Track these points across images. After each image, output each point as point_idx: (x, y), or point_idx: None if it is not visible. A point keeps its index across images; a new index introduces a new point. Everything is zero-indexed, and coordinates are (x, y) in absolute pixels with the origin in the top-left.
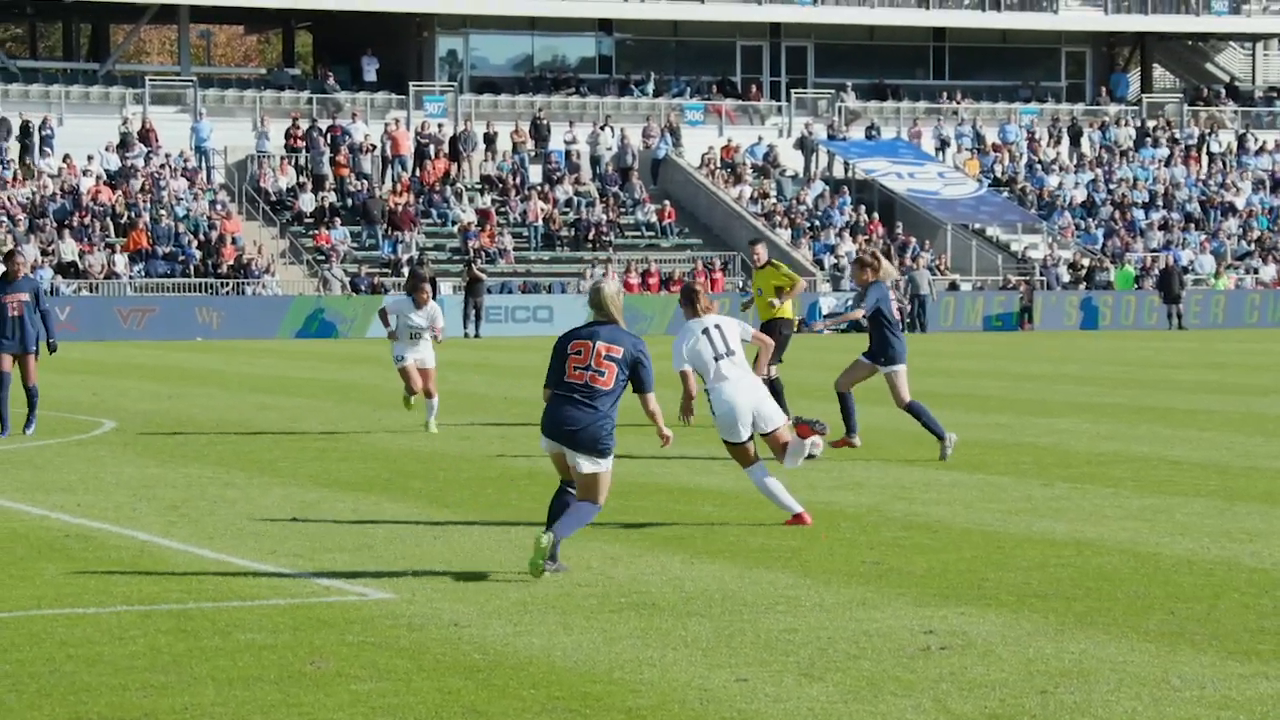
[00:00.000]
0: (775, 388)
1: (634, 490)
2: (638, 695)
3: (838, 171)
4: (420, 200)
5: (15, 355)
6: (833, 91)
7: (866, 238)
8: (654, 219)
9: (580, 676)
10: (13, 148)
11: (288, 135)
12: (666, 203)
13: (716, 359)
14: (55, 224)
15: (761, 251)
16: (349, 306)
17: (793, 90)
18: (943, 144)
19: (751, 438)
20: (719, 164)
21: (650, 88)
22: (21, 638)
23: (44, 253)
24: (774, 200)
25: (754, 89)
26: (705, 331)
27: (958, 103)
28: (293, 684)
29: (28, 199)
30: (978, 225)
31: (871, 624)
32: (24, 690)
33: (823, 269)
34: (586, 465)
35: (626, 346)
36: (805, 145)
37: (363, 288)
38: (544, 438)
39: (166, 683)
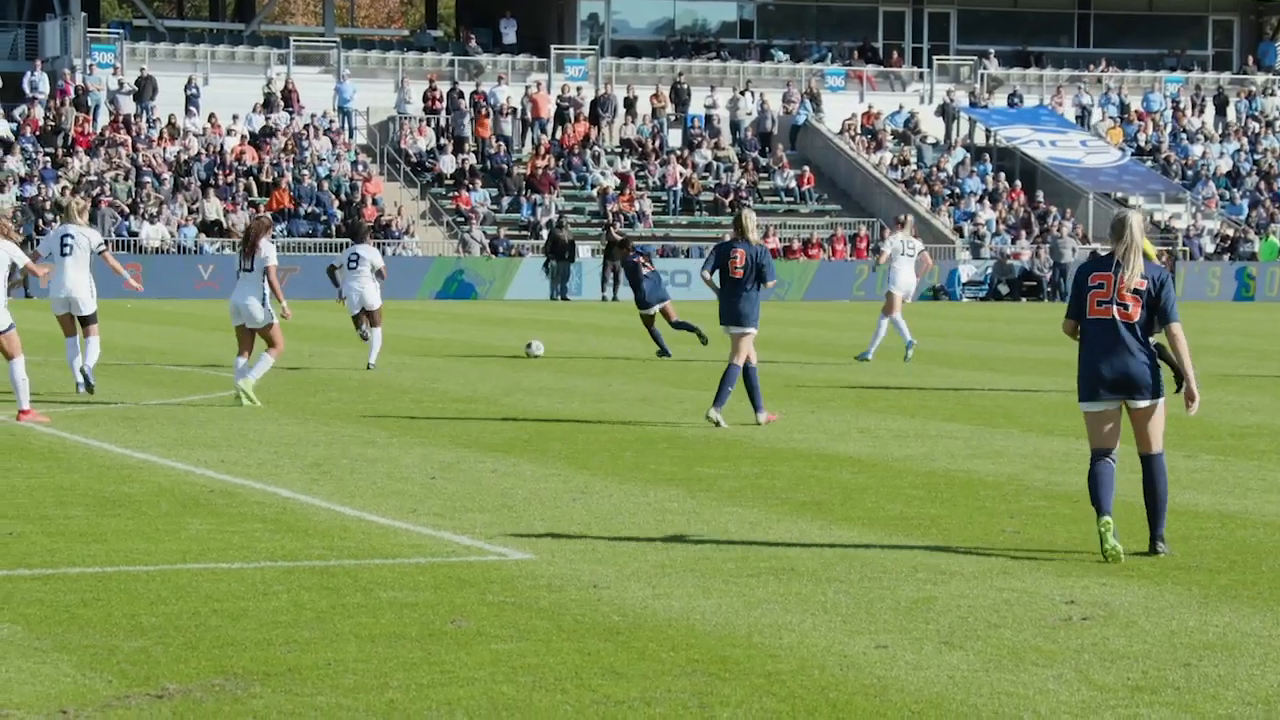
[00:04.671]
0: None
1: (772, 456)
2: (776, 660)
3: (979, 139)
4: (560, 163)
5: None
6: (975, 58)
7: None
8: (793, 184)
9: (719, 640)
10: (159, 107)
11: (426, 97)
12: (806, 168)
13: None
14: (200, 183)
15: None
16: (488, 268)
17: (935, 57)
18: (1085, 112)
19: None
20: (859, 130)
21: (791, 53)
22: (168, 591)
23: (189, 211)
24: (914, 167)
25: (895, 55)
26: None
27: (1102, 71)
28: (434, 642)
29: (173, 158)
30: (1120, 194)
31: (1012, 593)
32: (170, 643)
33: (962, 236)
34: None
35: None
36: (946, 112)
37: (502, 250)
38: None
39: (310, 638)
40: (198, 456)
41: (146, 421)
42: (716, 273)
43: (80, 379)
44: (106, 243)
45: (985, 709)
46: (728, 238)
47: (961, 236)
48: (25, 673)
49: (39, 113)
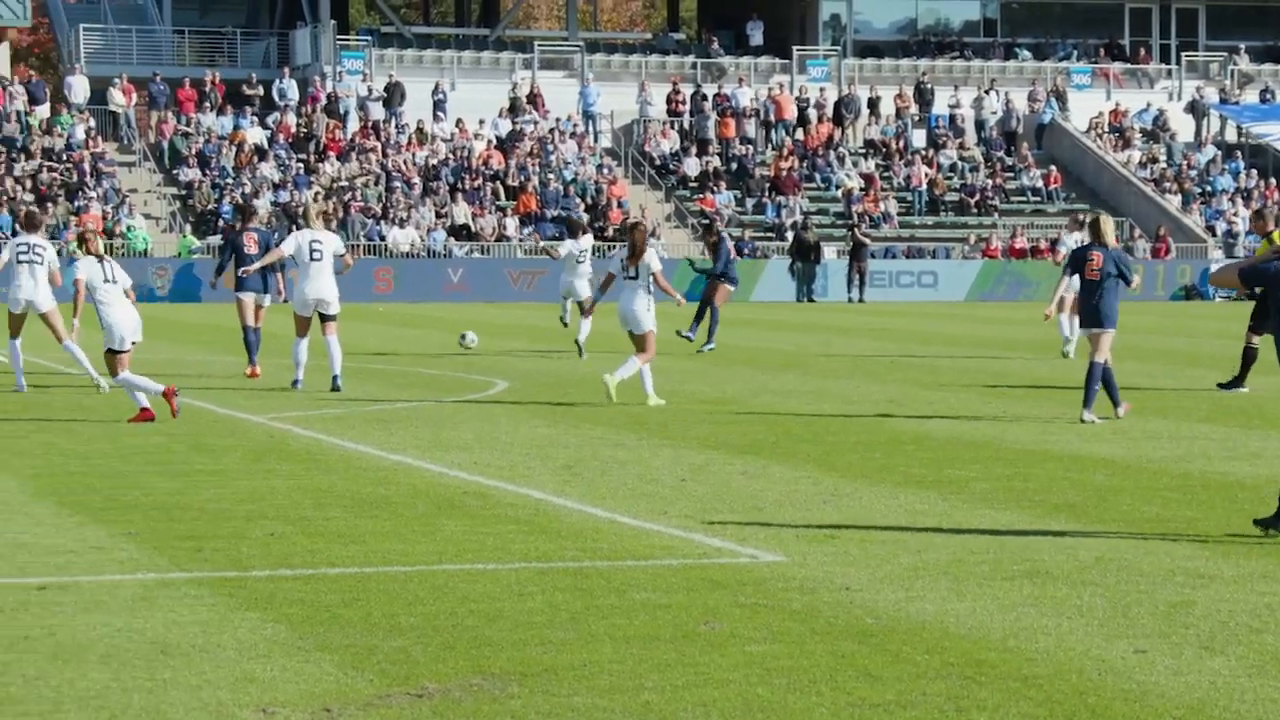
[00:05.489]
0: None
1: (1024, 458)
2: (1033, 664)
3: (1230, 136)
4: (804, 164)
5: None
6: (1225, 54)
7: (1262, 205)
8: (1040, 184)
9: (974, 643)
10: (408, 113)
11: (669, 100)
12: (1053, 167)
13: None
14: (448, 187)
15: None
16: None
17: (1183, 53)
18: None
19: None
20: (1107, 128)
21: (1036, 51)
22: (426, 592)
23: (437, 215)
24: (1163, 165)
25: (1142, 52)
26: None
27: None
28: (688, 643)
29: (422, 162)
30: None
31: (1274, 597)
32: (429, 643)
33: (1214, 235)
34: None
35: None
36: (1196, 109)
37: (747, 252)
38: None
39: (565, 639)
40: (451, 458)
41: (400, 424)
42: (1076, 276)
43: (299, 377)
44: (349, 249)
45: (1248, 716)
46: (1084, 241)
47: (1214, 235)
48: (290, 671)
49: (291, 120)
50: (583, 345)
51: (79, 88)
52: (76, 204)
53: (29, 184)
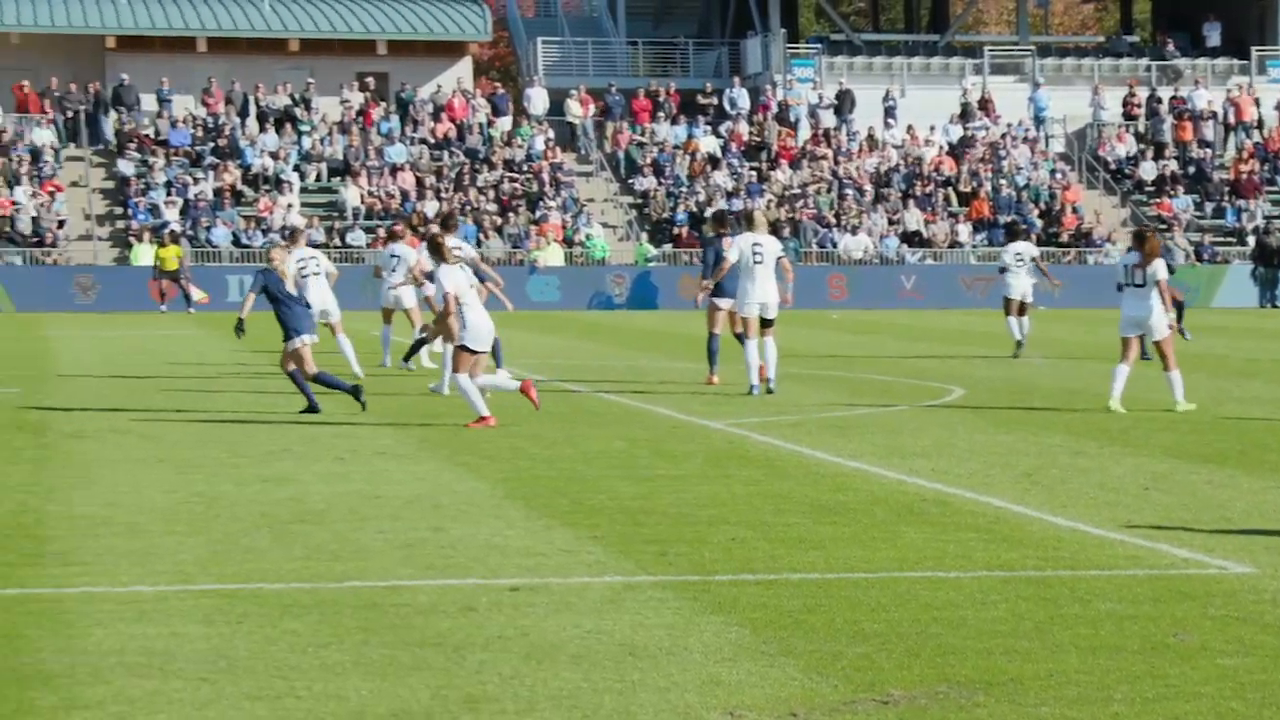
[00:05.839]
0: None
1: None
2: None
3: None
4: (1264, 167)
5: None
6: None
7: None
8: None
9: None
10: (858, 120)
11: (1124, 103)
12: None
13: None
14: (900, 194)
15: None
16: (1194, 276)
17: None
18: None
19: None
20: None
21: None
22: (888, 598)
23: (890, 222)
24: None
25: None
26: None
27: None
28: (1156, 655)
29: (873, 169)
30: None
31: None
32: (893, 650)
33: None
34: None
35: None
36: None
37: (1207, 257)
38: None
39: (1030, 649)
40: (909, 465)
41: (856, 430)
42: None
43: (754, 382)
44: (787, 251)
45: None
46: None
47: None
48: (755, 675)
49: (743, 128)
50: (1024, 344)
51: (538, 99)
52: (538, 213)
53: (491, 194)
